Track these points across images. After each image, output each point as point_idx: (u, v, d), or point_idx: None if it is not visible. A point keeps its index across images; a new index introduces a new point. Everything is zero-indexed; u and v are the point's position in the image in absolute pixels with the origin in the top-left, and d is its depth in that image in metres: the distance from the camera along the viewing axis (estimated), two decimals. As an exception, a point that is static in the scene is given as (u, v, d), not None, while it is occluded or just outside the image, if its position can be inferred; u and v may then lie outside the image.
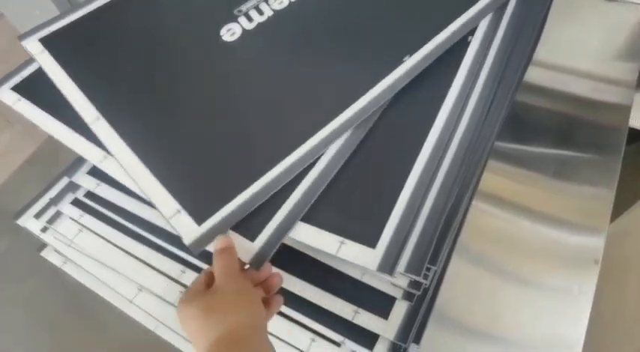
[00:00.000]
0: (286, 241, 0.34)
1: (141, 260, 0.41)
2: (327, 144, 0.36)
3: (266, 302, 0.32)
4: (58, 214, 0.45)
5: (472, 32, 0.40)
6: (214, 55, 0.42)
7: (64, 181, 0.46)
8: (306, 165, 0.35)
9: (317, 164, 0.35)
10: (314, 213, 0.34)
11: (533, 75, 0.51)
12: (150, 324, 0.40)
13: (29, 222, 0.45)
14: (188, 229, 0.33)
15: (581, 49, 0.54)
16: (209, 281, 0.31)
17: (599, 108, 0.50)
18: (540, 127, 0.49)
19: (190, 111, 0.39)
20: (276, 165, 0.35)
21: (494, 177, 0.45)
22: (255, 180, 0.34)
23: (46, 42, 0.42)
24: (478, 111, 0.37)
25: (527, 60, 0.41)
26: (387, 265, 0.31)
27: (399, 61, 0.38)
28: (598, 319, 0.39)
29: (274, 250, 0.32)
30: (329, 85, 0.39)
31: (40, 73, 0.41)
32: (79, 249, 0.43)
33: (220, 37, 0.43)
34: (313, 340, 0.36)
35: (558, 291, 0.40)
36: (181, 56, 0.42)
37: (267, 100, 0.39)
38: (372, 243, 0.32)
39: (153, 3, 0.46)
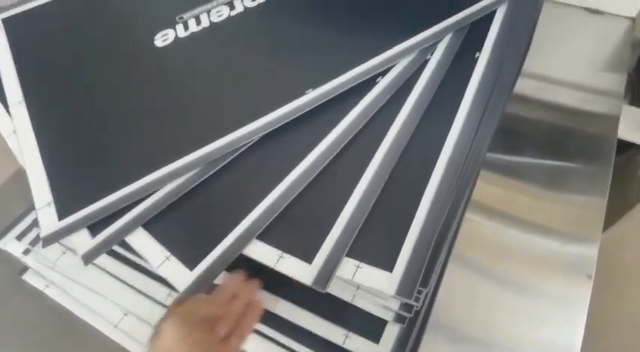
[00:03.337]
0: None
1: (126, 283, 0.40)
2: (202, 164, 0.36)
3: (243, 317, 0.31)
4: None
5: (385, 73, 0.40)
6: (141, 58, 0.44)
7: (46, 202, 0.45)
8: (169, 182, 0.35)
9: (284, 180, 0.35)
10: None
11: (523, 86, 0.51)
12: (136, 349, 0.39)
13: (11, 244, 0.44)
14: (49, 223, 0.35)
15: (569, 60, 0.54)
16: None
17: (589, 118, 0.50)
18: (531, 138, 0.49)
19: (100, 110, 0.41)
20: (145, 176, 0.36)
21: (486, 187, 0.45)
22: (121, 188, 0.35)
23: (6, 22, 0.47)
24: (469, 125, 0.36)
25: (517, 72, 0.41)
26: (406, 289, 0.30)
27: (301, 93, 0.39)
28: (593, 328, 0.38)
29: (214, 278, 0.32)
30: (230, 104, 0.40)
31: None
32: (63, 271, 0.42)
33: (154, 41, 0.44)
34: (303, 365, 0.35)
35: (553, 302, 0.39)
36: (113, 56, 0.44)
37: (167, 110, 0.40)
38: (389, 266, 0.31)
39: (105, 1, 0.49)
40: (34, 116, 0.40)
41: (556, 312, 0.38)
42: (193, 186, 0.35)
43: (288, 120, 0.37)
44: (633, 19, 0.55)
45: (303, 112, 0.37)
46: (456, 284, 0.39)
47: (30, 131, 0.39)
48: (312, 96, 0.38)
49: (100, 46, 0.45)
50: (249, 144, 0.37)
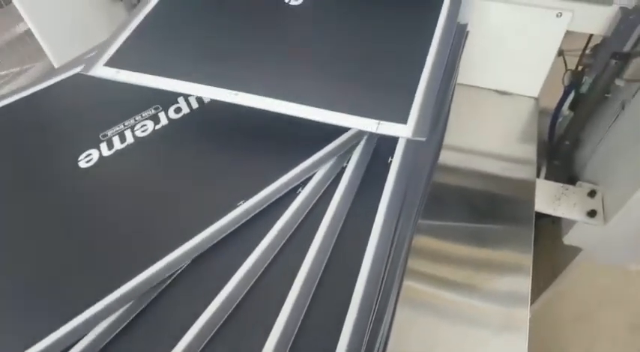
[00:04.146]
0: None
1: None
2: (134, 297, 0.34)
3: None
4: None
5: (305, 183, 0.41)
6: (65, 183, 0.42)
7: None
8: (98, 322, 0.33)
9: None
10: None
11: (446, 157, 0.56)
12: None
13: None
14: None
15: (486, 134, 0.59)
16: None
17: (508, 184, 0.54)
18: (456, 203, 0.53)
19: (19, 247, 0.38)
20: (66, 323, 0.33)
21: (416, 253, 0.47)
22: (44, 337, 0.32)
23: None
24: (386, 231, 0.38)
25: (430, 172, 0.44)
26: None
27: (233, 206, 0.39)
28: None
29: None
30: (159, 225, 0.39)
31: None
32: None
33: (77, 162, 0.43)
34: None
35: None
36: (36, 182, 0.42)
37: (93, 239, 0.38)
38: None
39: (28, 118, 0.47)
40: None
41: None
42: (125, 323, 0.33)
43: (222, 235, 0.37)
44: (536, 99, 0.62)
45: (237, 226, 0.37)
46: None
47: None
48: (244, 207, 0.39)
49: (20, 174, 0.43)
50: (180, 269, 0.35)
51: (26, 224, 0.40)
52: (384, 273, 0.36)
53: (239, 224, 0.38)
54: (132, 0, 0.68)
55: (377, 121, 0.39)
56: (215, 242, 0.37)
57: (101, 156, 0.44)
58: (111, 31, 0.50)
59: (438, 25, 0.47)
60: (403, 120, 0.39)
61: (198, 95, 0.43)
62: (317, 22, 0.50)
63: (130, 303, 0.35)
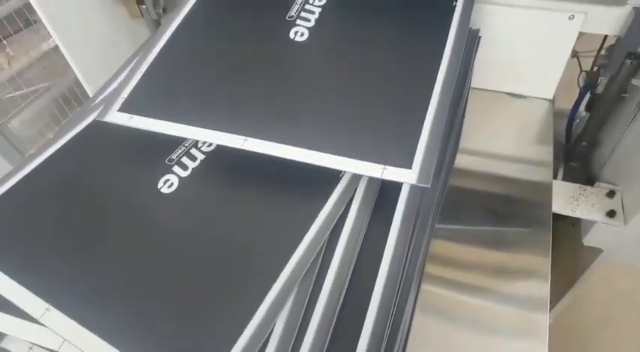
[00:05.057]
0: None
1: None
2: (290, 292, 0.34)
3: None
4: None
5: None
6: (158, 211, 0.41)
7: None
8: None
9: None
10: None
11: (462, 161, 0.56)
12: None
13: None
14: None
15: (501, 137, 0.59)
16: None
17: (525, 186, 0.54)
18: (473, 207, 0.53)
19: (132, 278, 0.38)
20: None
21: (434, 258, 0.47)
22: None
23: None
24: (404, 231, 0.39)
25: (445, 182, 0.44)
26: None
27: (337, 179, 0.41)
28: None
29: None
30: (277, 222, 0.39)
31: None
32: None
33: (159, 190, 0.43)
34: None
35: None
36: (122, 219, 0.41)
37: (208, 262, 0.38)
38: None
39: (83, 171, 0.46)
40: (72, 313, 0.35)
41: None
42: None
43: (348, 198, 0.39)
44: (551, 101, 0.61)
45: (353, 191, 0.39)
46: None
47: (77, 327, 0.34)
48: (348, 176, 0.40)
49: (103, 218, 0.41)
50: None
51: (142, 263, 0.39)
52: (401, 280, 0.37)
53: (353, 190, 0.40)
54: (152, 16, 0.71)
55: (382, 166, 0.39)
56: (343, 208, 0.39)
57: (181, 178, 0.43)
58: (133, 45, 0.51)
59: (442, 64, 0.46)
60: (408, 164, 0.39)
61: (209, 141, 0.43)
62: (322, 59, 0.50)
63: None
